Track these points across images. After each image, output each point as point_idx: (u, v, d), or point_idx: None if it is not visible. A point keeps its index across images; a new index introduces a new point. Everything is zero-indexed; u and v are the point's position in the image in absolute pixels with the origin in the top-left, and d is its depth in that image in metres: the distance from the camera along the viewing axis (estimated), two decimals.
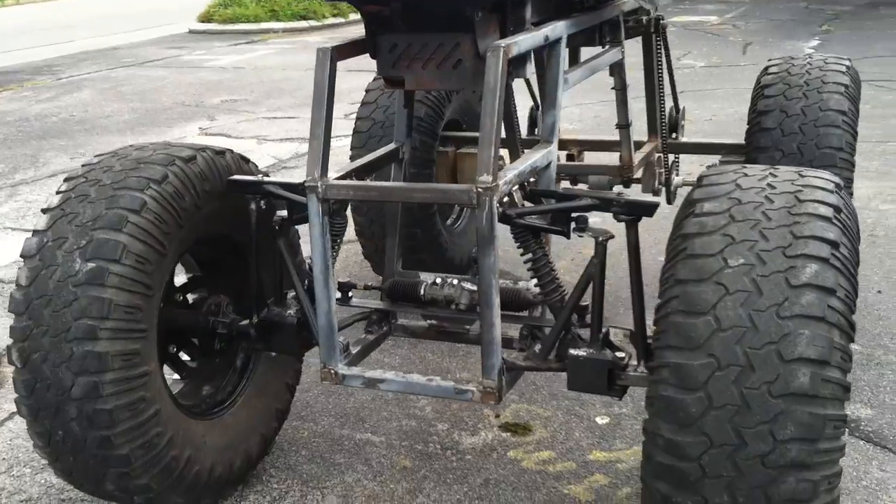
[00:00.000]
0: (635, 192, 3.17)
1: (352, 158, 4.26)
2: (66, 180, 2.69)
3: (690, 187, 4.38)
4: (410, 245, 4.02)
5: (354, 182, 2.66)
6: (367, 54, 2.73)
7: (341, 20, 17.83)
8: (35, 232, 2.59)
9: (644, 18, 3.96)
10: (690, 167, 5.33)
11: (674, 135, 4.46)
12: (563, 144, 4.52)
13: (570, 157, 4.44)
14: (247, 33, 16.63)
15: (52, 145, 8.41)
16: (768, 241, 2.04)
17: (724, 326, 1.98)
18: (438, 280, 2.87)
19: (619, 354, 2.51)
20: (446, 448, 3.28)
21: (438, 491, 3.04)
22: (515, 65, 2.60)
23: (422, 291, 2.88)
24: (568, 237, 2.52)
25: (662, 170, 4.30)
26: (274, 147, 7.96)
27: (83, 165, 2.74)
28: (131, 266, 2.50)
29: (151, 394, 2.58)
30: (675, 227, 2.24)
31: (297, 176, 6.01)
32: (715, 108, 8.85)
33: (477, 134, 4.51)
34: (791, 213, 2.09)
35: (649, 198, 2.40)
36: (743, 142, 4.23)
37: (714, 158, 4.38)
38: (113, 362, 2.47)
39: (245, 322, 2.91)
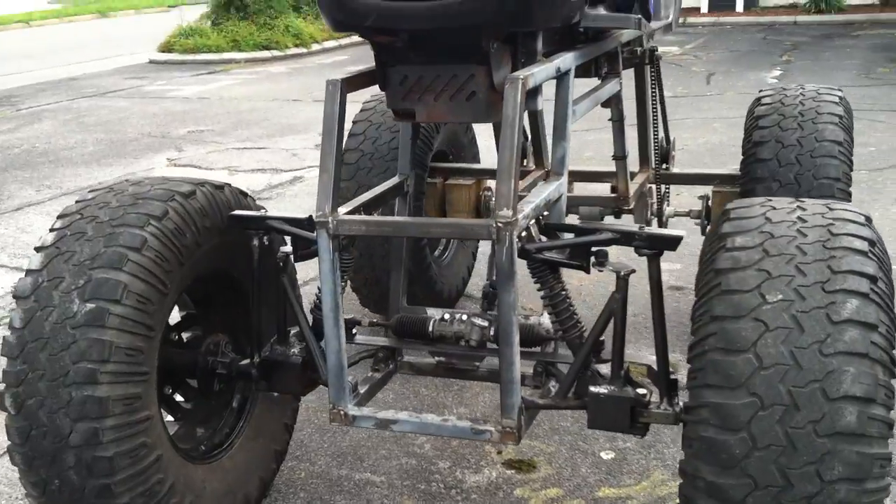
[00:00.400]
0: (651, 225, 3.12)
1: (340, 192, 4.17)
2: (59, 217, 2.57)
3: (682, 217, 4.42)
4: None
5: (366, 217, 2.58)
6: (377, 85, 2.65)
7: (303, 50, 17.77)
8: (29, 271, 2.46)
9: (638, 49, 3.93)
10: (677, 199, 5.32)
11: (664, 165, 4.43)
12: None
13: None
14: (208, 63, 16.48)
15: (16, 177, 8.21)
16: (806, 276, 1.99)
17: (765, 364, 1.92)
18: (447, 316, 2.79)
19: (641, 391, 2.44)
20: (450, 487, 3.19)
21: None
22: (529, 96, 2.54)
23: (430, 328, 2.79)
24: (587, 272, 2.45)
25: (654, 200, 4.26)
26: (246, 178, 7.83)
27: (77, 201, 2.62)
28: (132, 307, 2.39)
29: (152, 439, 2.47)
30: (706, 261, 2.19)
31: (272, 208, 5.91)
32: (685, 137, 8.88)
33: (465, 165, 4.49)
34: (826, 248, 2.04)
35: (672, 231, 2.34)
36: (735, 171, 4.22)
37: (703, 189, 4.35)
38: (114, 407, 2.35)
39: (245, 362, 2.80)
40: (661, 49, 4.37)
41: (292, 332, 2.83)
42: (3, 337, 2.42)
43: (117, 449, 2.36)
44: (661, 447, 3.40)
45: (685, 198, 5.73)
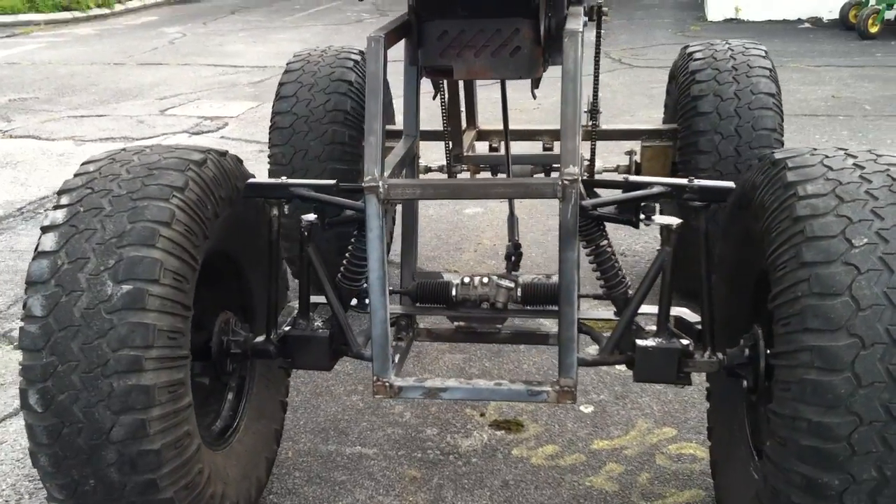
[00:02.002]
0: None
1: (272, 156, 3.98)
2: (63, 192, 2.30)
3: (611, 173, 4.50)
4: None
5: (419, 180, 2.46)
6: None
7: (106, 11, 16.78)
8: (41, 253, 2.19)
9: (586, 5, 3.94)
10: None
11: (591, 122, 4.48)
12: (485, 135, 4.45)
13: (492, 149, 4.38)
14: (5, 26, 15.21)
15: None
16: (883, 219, 2.07)
17: (862, 306, 1.99)
18: (467, 279, 2.71)
19: (684, 341, 2.48)
20: (447, 453, 3.14)
21: (462, 498, 2.90)
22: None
23: (454, 292, 2.71)
24: (636, 227, 2.45)
25: (587, 157, 4.31)
26: (97, 148, 7.30)
27: (77, 174, 2.36)
28: (170, 286, 2.18)
29: (192, 427, 2.28)
30: (772, 209, 2.23)
31: None
32: (538, 94, 9.04)
33: (394, 127, 4.38)
34: (893, 192, 2.13)
35: (722, 182, 2.37)
36: (660, 126, 4.34)
37: (630, 144, 4.44)
38: (160, 395, 2.15)
39: (261, 339, 2.62)
40: None
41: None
42: (21, 328, 2.15)
43: (164, 440, 2.17)
44: (635, 397, 3.48)
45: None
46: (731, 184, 2.38)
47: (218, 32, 14.19)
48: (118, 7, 17.13)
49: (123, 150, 2.48)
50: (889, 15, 12.09)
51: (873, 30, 11.85)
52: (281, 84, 4.08)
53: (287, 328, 2.60)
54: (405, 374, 2.76)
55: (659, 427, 3.28)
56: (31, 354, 2.14)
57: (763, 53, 4.02)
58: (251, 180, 2.54)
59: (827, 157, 2.29)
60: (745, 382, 2.51)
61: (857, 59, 10.58)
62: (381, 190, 2.30)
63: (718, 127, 3.80)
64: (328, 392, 3.56)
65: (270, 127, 4.02)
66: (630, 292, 2.52)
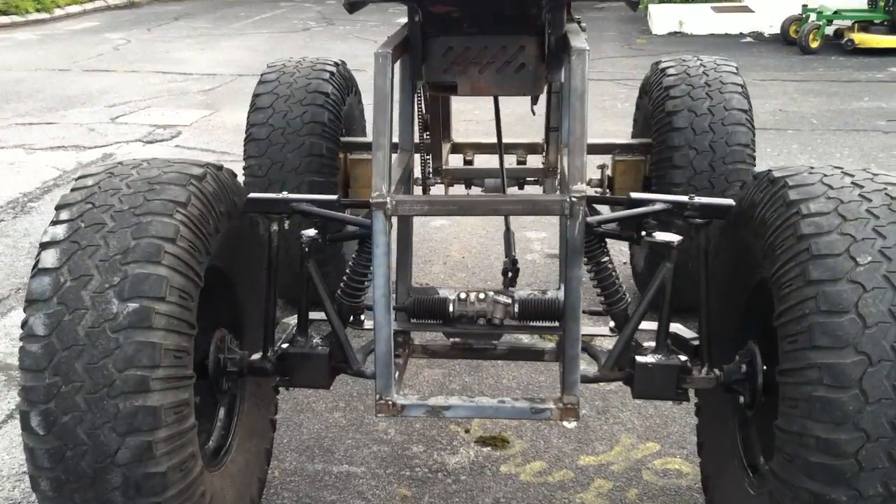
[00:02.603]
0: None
1: (248, 168, 3.93)
2: (61, 207, 2.25)
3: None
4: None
5: (427, 197, 2.45)
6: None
7: (46, 16, 16.42)
8: (42, 270, 2.13)
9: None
10: None
11: None
12: (460, 148, 4.46)
13: (466, 162, 4.39)
14: None
15: None
16: (886, 238, 2.12)
17: (869, 323, 2.03)
18: (463, 295, 2.71)
19: (682, 358, 2.51)
20: (436, 471, 3.12)
21: None
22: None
23: (451, 308, 2.70)
24: (638, 243, 2.48)
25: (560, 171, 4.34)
26: (49, 157, 7.16)
27: (75, 189, 2.30)
28: (176, 303, 2.14)
29: (196, 449, 2.24)
30: (775, 227, 2.26)
31: None
32: (489, 107, 9.08)
33: (368, 140, 4.36)
34: (892, 210, 2.18)
35: (722, 200, 2.40)
36: (632, 141, 4.39)
37: (601, 159, 4.47)
38: (166, 416, 2.11)
39: (257, 357, 2.59)
40: None
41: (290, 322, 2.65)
42: (21, 348, 2.09)
43: (170, 462, 2.12)
44: (616, 412, 3.51)
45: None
46: (730, 201, 2.41)
47: (163, 39, 13.99)
48: (58, 12, 16.77)
49: (120, 163, 2.43)
50: (829, 30, 12.40)
51: (814, 45, 12.15)
52: (256, 95, 4.04)
53: (285, 345, 2.57)
54: (404, 392, 2.74)
55: (642, 442, 3.31)
56: (33, 375, 2.07)
57: (734, 70, 4.09)
58: (252, 195, 2.51)
59: (826, 175, 2.33)
60: (741, 398, 2.54)
61: (801, 73, 10.83)
62: (389, 206, 2.28)
63: (693, 142, 3.86)
64: (310, 409, 3.52)
65: (246, 138, 3.98)
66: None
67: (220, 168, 2.53)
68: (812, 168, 2.40)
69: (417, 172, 4.19)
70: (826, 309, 2.06)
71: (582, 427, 3.41)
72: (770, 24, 13.90)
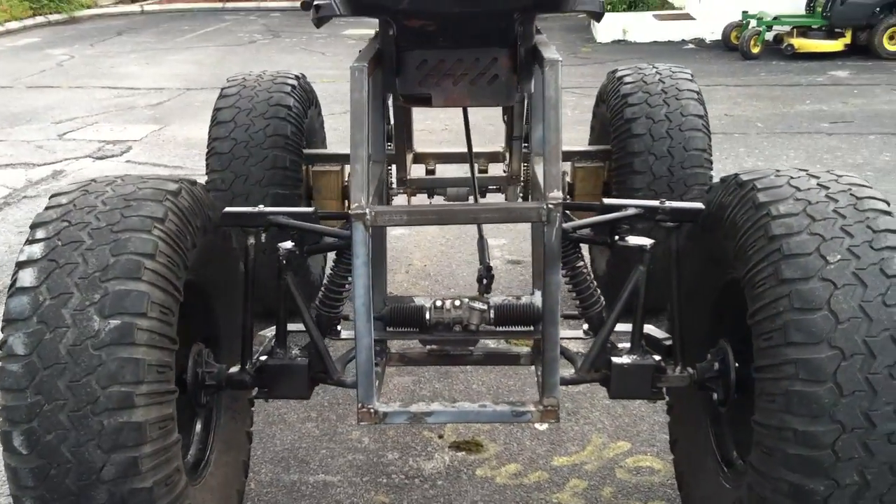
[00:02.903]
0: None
1: (211, 182, 3.92)
2: (35, 226, 2.23)
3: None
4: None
5: (406, 207, 2.47)
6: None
7: None
8: (20, 290, 2.11)
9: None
10: None
11: (525, 145, 4.57)
12: (421, 158, 4.49)
13: (428, 171, 4.42)
14: None
15: None
16: (853, 237, 2.19)
17: (841, 319, 2.10)
18: (439, 302, 2.73)
19: (657, 358, 2.56)
20: (412, 477, 3.14)
21: None
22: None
23: (427, 315, 2.72)
24: (611, 248, 2.52)
25: (522, 178, 4.39)
26: None
27: (49, 207, 2.29)
28: (157, 319, 2.14)
29: (180, 463, 2.24)
30: (745, 229, 2.32)
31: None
32: (443, 117, 9.15)
33: (331, 151, 4.37)
34: (858, 210, 2.26)
35: (693, 204, 2.46)
36: (590, 148, 4.45)
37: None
38: (151, 432, 2.10)
39: (235, 370, 2.58)
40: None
41: (269, 334, 2.66)
42: (0, 368, 2.07)
43: (156, 477, 2.12)
44: (585, 412, 3.56)
45: None
46: (700, 205, 2.47)
47: (107, 54, 13.81)
48: None
49: (94, 181, 2.41)
50: (769, 36, 12.66)
51: (755, 50, 12.39)
52: (217, 109, 4.03)
53: (264, 357, 2.57)
54: (385, 401, 2.76)
55: (613, 441, 3.36)
56: (14, 394, 2.06)
57: (689, 77, 4.18)
58: (228, 209, 2.52)
59: (792, 177, 2.40)
60: (714, 395, 2.60)
61: (744, 78, 11.05)
62: (368, 217, 2.30)
63: (652, 148, 3.93)
64: (282, 420, 3.51)
65: (208, 153, 3.96)
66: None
67: (194, 183, 2.53)
68: (779, 171, 2.47)
69: None
70: (799, 306, 2.13)
71: (553, 428, 3.45)
72: (711, 31, 14.13)
